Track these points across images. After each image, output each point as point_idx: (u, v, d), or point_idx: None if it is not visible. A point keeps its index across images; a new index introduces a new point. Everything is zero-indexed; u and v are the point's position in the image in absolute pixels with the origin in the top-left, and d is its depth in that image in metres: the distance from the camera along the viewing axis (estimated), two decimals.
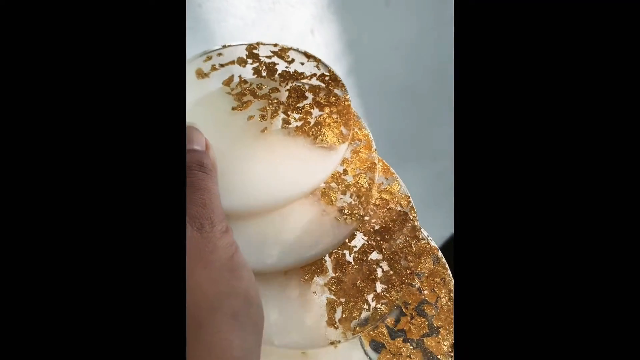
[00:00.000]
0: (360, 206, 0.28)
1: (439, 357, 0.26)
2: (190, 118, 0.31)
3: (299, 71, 0.33)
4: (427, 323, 0.27)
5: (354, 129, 0.31)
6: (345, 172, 0.30)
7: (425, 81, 0.49)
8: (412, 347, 0.26)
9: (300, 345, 0.26)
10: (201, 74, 0.33)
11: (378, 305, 0.26)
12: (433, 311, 0.27)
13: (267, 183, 0.28)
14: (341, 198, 0.29)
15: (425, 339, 0.26)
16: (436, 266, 0.28)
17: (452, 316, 0.27)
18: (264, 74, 0.33)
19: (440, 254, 0.28)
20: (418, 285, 0.27)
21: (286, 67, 0.33)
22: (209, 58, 0.34)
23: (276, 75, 0.33)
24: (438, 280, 0.28)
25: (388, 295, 0.26)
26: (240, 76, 0.33)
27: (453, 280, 0.28)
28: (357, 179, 0.29)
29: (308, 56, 0.34)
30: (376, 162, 0.30)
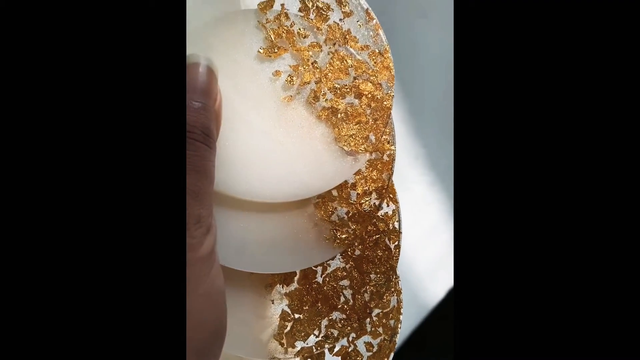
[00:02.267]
0: (352, 232, 0.26)
1: None
2: (201, 43, 0.23)
3: (352, 34, 0.26)
4: (361, 359, 0.27)
5: (382, 138, 0.27)
6: (353, 186, 0.26)
7: None
8: None
9: (239, 350, 0.25)
10: None
11: (328, 334, 0.26)
12: (372, 349, 0.27)
13: (272, 171, 0.24)
14: (337, 213, 0.26)
15: None
16: (392, 309, 0.28)
17: (386, 359, 0.28)
18: (311, 16, 0.26)
19: (401, 298, 0.28)
20: (369, 320, 0.27)
21: (340, 20, 0.26)
22: None
23: (324, 26, 0.26)
24: (388, 322, 0.28)
25: (341, 327, 0.26)
26: (283, 5, 0.25)
27: (400, 328, 0.28)
28: (361, 200, 0.26)
29: (370, 18, 0.27)
30: (387, 186, 0.27)
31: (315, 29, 0.26)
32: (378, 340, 0.28)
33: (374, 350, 0.27)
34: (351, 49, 0.26)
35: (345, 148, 0.26)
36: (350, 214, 0.26)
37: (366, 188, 0.27)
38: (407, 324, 0.44)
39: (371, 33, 0.27)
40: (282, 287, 0.26)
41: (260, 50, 0.25)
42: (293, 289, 0.26)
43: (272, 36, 0.25)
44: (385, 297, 0.27)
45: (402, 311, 0.28)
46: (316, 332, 0.26)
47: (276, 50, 0.25)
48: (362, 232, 0.26)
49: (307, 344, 0.26)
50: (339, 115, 0.26)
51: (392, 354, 0.28)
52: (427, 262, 0.44)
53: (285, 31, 0.25)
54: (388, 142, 0.27)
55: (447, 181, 0.43)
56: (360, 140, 0.26)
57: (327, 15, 0.26)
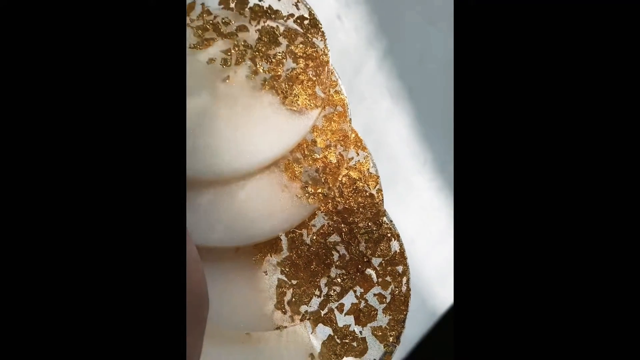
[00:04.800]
0: (325, 184, 0.26)
1: (383, 347, 0.26)
2: None
3: (274, 8, 0.28)
4: (376, 312, 0.26)
5: (329, 92, 0.27)
6: (314, 142, 0.27)
7: None
8: (359, 335, 0.26)
9: (244, 327, 0.25)
10: None
11: (331, 292, 0.25)
12: (385, 301, 0.26)
13: (223, 147, 0.25)
14: (306, 171, 0.26)
15: (372, 328, 0.26)
16: (394, 254, 0.27)
17: (403, 307, 0.26)
18: (232, 5, 0.28)
19: (401, 241, 0.27)
20: (373, 272, 0.26)
21: (259, 1, 0.28)
22: None
23: (246, 10, 0.28)
24: (394, 269, 0.27)
25: (342, 283, 0.25)
26: (203, 4, 0.27)
27: (410, 271, 0.27)
28: (326, 152, 0.26)
29: None
30: (349, 134, 0.27)
31: (238, 14, 0.28)
32: (389, 290, 0.26)
33: (387, 300, 0.26)
34: (277, 21, 0.28)
35: (293, 108, 0.26)
36: (320, 170, 0.26)
37: (327, 141, 0.27)
38: (416, 330, 0.41)
39: (292, 1, 0.28)
40: (272, 257, 0.26)
41: (191, 46, 0.27)
42: (284, 257, 0.26)
43: (199, 32, 0.27)
44: (383, 244, 0.27)
45: (406, 255, 0.27)
46: (317, 293, 0.25)
47: (205, 42, 0.27)
48: (334, 183, 0.26)
49: (310, 306, 0.25)
50: (281, 81, 0.27)
51: (409, 301, 0.27)
52: (436, 268, 0.42)
53: (210, 24, 0.27)
54: (337, 92, 0.27)
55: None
56: (307, 97, 0.26)
57: (246, 1, 0.28)
